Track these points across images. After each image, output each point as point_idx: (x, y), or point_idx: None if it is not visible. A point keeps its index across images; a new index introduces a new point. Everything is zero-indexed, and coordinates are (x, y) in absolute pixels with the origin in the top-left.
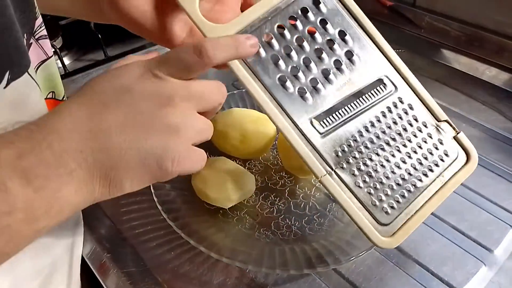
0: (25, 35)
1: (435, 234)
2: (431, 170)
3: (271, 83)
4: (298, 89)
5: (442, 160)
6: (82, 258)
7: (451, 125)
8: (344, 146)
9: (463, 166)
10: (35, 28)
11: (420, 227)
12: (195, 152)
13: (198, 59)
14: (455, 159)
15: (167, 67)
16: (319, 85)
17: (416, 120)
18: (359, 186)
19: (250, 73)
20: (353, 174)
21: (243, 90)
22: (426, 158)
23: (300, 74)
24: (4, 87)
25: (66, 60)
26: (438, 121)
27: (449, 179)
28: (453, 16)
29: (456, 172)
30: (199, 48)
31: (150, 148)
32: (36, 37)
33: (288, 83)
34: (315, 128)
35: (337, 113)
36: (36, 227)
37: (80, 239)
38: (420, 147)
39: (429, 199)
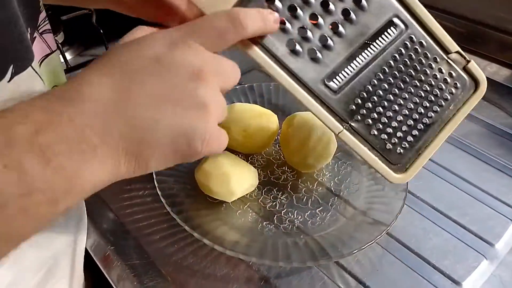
0: (29, 29)
1: (436, 228)
2: (441, 106)
3: (280, 50)
4: (308, 52)
5: (451, 93)
6: (86, 251)
7: (462, 55)
8: (358, 99)
9: (472, 95)
10: (39, 22)
11: (421, 221)
12: (221, 131)
13: (233, 28)
14: (463, 90)
15: (199, 35)
16: (329, 42)
17: (426, 57)
18: (374, 135)
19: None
20: (368, 124)
21: (245, 85)
22: (436, 95)
23: (309, 34)
24: (8, 81)
25: (68, 55)
26: (449, 53)
27: (459, 108)
28: (455, 12)
29: (465, 102)
30: (233, 16)
31: (181, 125)
32: (40, 31)
33: (298, 47)
34: (328, 87)
35: (349, 67)
36: (56, 208)
37: (84, 232)
38: (430, 84)
39: (439, 132)
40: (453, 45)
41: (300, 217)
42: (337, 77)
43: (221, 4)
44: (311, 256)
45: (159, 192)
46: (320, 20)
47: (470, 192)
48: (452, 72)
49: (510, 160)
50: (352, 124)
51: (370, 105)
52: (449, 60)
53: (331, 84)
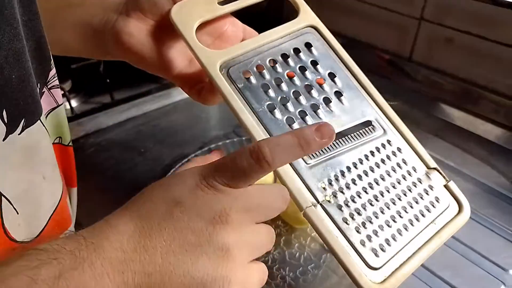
0: (38, 84)
1: None
2: (423, 215)
3: (260, 109)
4: (286, 118)
5: (433, 206)
6: None
7: (441, 173)
8: (332, 180)
9: (455, 216)
10: (48, 78)
11: (414, 281)
12: (251, 271)
13: (256, 165)
14: (447, 207)
15: (222, 174)
16: (308, 117)
17: (405, 163)
18: (346, 223)
19: (240, 97)
20: (340, 210)
21: (243, 138)
22: (417, 202)
23: (289, 104)
24: (19, 134)
25: (74, 103)
26: (428, 169)
27: (441, 228)
28: (448, 72)
29: (449, 222)
30: (256, 153)
31: (197, 273)
32: (49, 86)
33: (277, 111)
34: (302, 159)
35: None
36: None
37: None
38: (410, 190)
39: (422, 246)
40: (431, 161)
41: (291, 273)
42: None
43: (217, 57)
44: None
45: None
46: (302, 98)
47: (463, 253)
48: (433, 186)
49: (501, 220)
50: (324, 204)
51: (345, 190)
52: (428, 175)
53: (305, 157)
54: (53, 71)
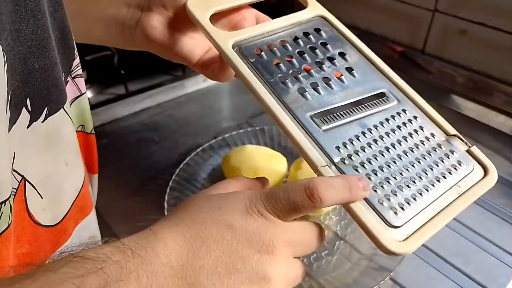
0: (63, 74)
1: (440, 275)
2: (444, 177)
3: (271, 79)
4: (298, 88)
5: (455, 168)
6: None
7: (462, 140)
8: (347, 143)
9: (481, 180)
10: (72, 68)
11: (425, 268)
12: None
13: (309, 201)
14: (471, 171)
15: (273, 205)
16: (319, 88)
17: (422, 130)
18: None
19: (252, 70)
20: (356, 170)
21: (257, 128)
22: (437, 165)
23: (301, 76)
24: (42, 121)
25: (89, 93)
26: (448, 136)
27: (466, 191)
28: (461, 64)
29: (474, 185)
30: (311, 190)
31: None
32: (73, 75)
33: (289, 82)
34: (316, 123)
35: (339, 113)
36: None
37: None
38: (429, 154)
39: (446, 206)
40: (450, 128)
41: (305, 259)
42: (326, 117)
43: (231, 37)
44: None
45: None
46: (313, 71)
47: (475, 241)
48: (454, 150)
49: None
50: (338, 165)
51: (360, 152)
52: (449, 141)
53: (318, 121)
54: (77, 61)
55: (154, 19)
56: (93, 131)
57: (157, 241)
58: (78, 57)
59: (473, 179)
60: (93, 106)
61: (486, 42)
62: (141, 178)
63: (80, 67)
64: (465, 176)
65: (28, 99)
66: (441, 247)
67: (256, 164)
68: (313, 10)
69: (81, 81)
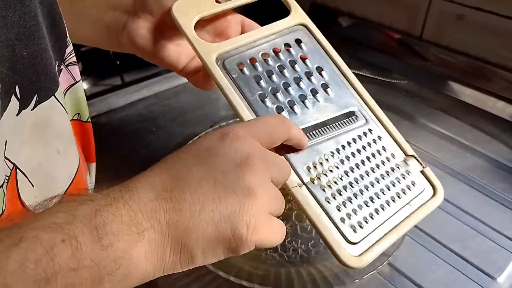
0: (56, 61)
1: (438, 260)
2: (399, 197)
3: (252, 98)
4: (276, 106)
5: (409, 189)
6: None
7: (417, 160)
8: (316, 163)
9: (430, 199)
10: (65, 56)
11: (424, 253)
12: (273, 221)
13: (282, 125)
14: (422, 191)
15: (250, 128)
16: (296, 107)
17: (384, 150)
18: (328, 202)
19: (234, 86)
20: (323, 190)
21: None
22: (394, 185)
23: (279, 94)
24: (32, 109)
25: (85, 85)
26: (406, 156)
27: (416, 210)
28: (459, 50)
29: (423, 204)
30: (282, 118)
31: (225, 210)
32: (66, 63)
33: (267, 100)
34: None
35: (311, 133)
36: None
37: None
38: (388, 174)
39: (397, 225)
40: (408, 149)
41: (303, 246)
42: None
43: (213, 49)
44: (314, 285)
45: None
46: (291, 89)
47: (473, 226)
48: (410, 171)
49: None
50: (308, 185)
51: (328, 173)
52: (406, 161)
53: None
54: (70, 48)
55: (141, 26)
56: (89, 120)
57: (142, 177)
58: (71, 45)
59: (423, 198)
60: (89, 97)
61: (484, 27)
62: (139, 168)
63: (73, 54)
64: (416, 196)
65: (17, 86)
66: (439, 232)
67: None
68: (296, 17)
69: (75, 69)
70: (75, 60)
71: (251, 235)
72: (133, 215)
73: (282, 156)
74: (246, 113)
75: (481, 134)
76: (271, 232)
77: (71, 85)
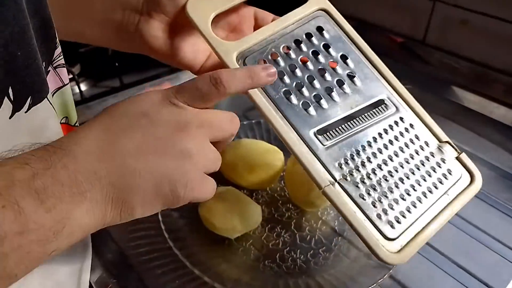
0: (44, 63)
1: (441, 273)
2: (436, 187)
3: (276, 96)
4: (302, 103)
5: (445, 177)
6: (90, 283)
7: (452, 146)
8: (348, 159)
9: (467, 187)
10: (54, 57)
11: (426, 265)
12: (207, 180)
13: (214, 89)
14: (459, 178)
15: (183, 95)
16: (322, 101)
17: (417, 138)
18: (363, 198)
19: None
20: (357, 187)
21: (253, 121)
22: (429, 175)
23: (304, 89)
24: (25, 111)
25: (83, 86)
26: (440, 142)
27: (454, 199)
28: (462, 55)
29: (461, 192)
30: (215, 78)
31: (164, 172)
32: (54, 65)
33: (293, 97)
34: (319, 140)
35: (340, 127)
36: (47, 249)
37: (88, 264)
38: (423, 164)
39: (436, 216)
40: (442, 135)
41: (302, 256)
42: (328, 133)
43: (231, 48)
44: None
45: (162, 226)
46: (316, 82)
47: (477, 237)
48: (445, 158)
49: None
50: (341, 182)
51: (360, 167)
52: (440, 148)
53: (321, 137)
54: (59, 50)
55: (155, 27)
56: (77, 124)
57: (77, 136)
58: (60, 47)
59: (460, 186)
60: (87, 100)
61: (488, 32)
62: None
63: (62, 56)
64: (453, 184)
65: (10, 88)
66: (443, 244)
67: (252, 159)
68: (315, 2)
69: (63, 71)
70: (64, 63)
71: (187, 193)
72: (73, 177)
73: (217, 112)
74: (273, 114)
75: (484, 141)
76: (205, 190)
77: (59, 88)
